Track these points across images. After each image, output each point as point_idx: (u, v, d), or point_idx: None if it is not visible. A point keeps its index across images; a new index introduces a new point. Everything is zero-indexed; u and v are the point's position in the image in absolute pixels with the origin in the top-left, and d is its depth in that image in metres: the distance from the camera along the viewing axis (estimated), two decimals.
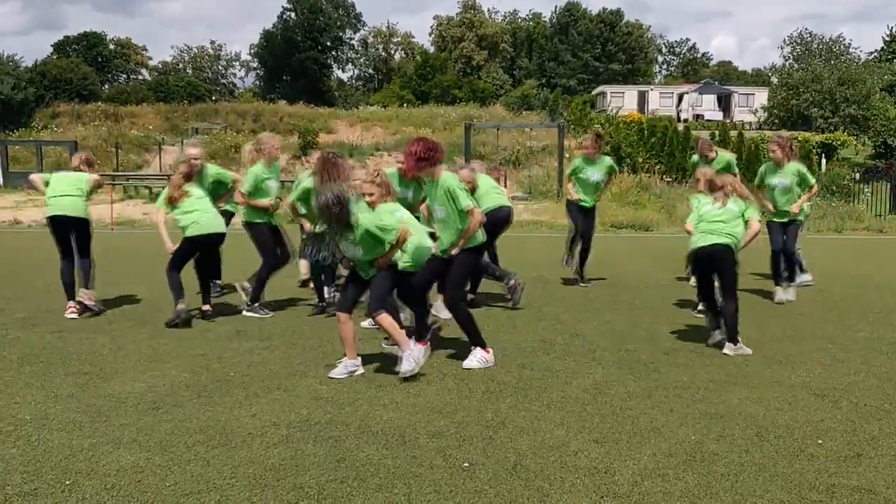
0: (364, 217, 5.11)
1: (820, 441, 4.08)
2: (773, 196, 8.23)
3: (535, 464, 3.75)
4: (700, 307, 6.80)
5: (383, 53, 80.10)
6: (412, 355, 5.18)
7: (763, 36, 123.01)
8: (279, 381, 5.08)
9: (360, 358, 5.33)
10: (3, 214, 18.43)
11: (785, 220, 8.22)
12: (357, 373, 5.24)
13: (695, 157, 9.58)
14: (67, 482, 3.50)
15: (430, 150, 5.43)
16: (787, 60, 55.22)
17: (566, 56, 65.96)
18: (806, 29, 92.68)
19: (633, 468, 3.71)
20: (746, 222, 6.01)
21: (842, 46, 52.90)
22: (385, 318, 5.27)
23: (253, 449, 3.91)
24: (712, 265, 5.98)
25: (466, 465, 3.74)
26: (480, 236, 5.62)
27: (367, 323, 6.48)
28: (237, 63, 79.34)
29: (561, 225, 17.14)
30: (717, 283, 6.11)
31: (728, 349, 5.87)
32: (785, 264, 8.24)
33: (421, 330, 5.66)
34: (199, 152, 7.87)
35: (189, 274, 7.06)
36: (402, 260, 5.39)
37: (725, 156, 9.35)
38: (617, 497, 3.40)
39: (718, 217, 5.97)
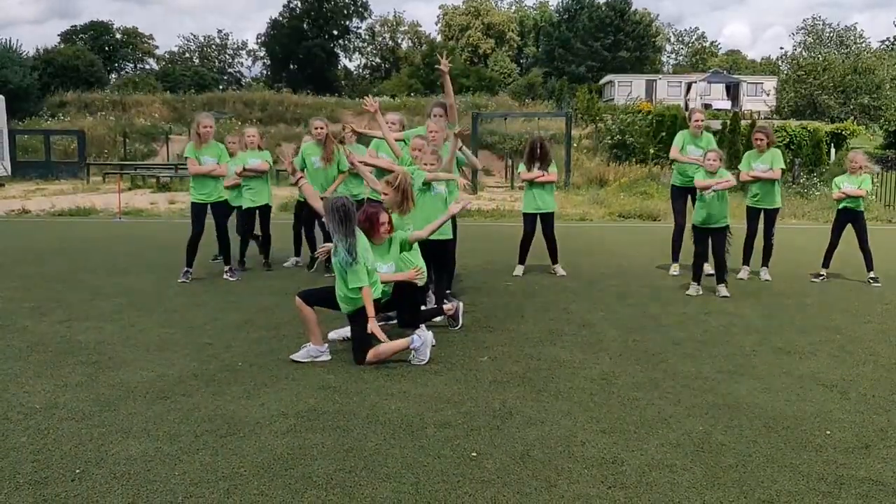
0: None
1: (828, 432, 4.07)
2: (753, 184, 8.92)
3: (543, 454, 3.76)
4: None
5: (390, 42, 79.90)
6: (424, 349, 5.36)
7: (777, 24, 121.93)
8: (287, 371, 5.10)
9: (326, 345, 5.46)
10: (11, 203, 18.50)
11: (762, 206, 8.86)
12: (320, 359, 5.33)
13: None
14: (77, 471, 3.52)
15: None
16: (796, 49, 54.89)
17: (574, 44, 65.58)
18: (818, 16, 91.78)
19: (640, 459, 3.71)
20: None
21: (853, 36, 52.50)
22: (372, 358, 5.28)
23: (261, 438, 3.93)
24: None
25: (474, 454, 3.74)
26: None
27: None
28: (244, 52, 79.34)
29: (567, 215, 17.06)
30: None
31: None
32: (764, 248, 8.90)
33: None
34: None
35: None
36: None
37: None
38: (624, 488, 3.40)
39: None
